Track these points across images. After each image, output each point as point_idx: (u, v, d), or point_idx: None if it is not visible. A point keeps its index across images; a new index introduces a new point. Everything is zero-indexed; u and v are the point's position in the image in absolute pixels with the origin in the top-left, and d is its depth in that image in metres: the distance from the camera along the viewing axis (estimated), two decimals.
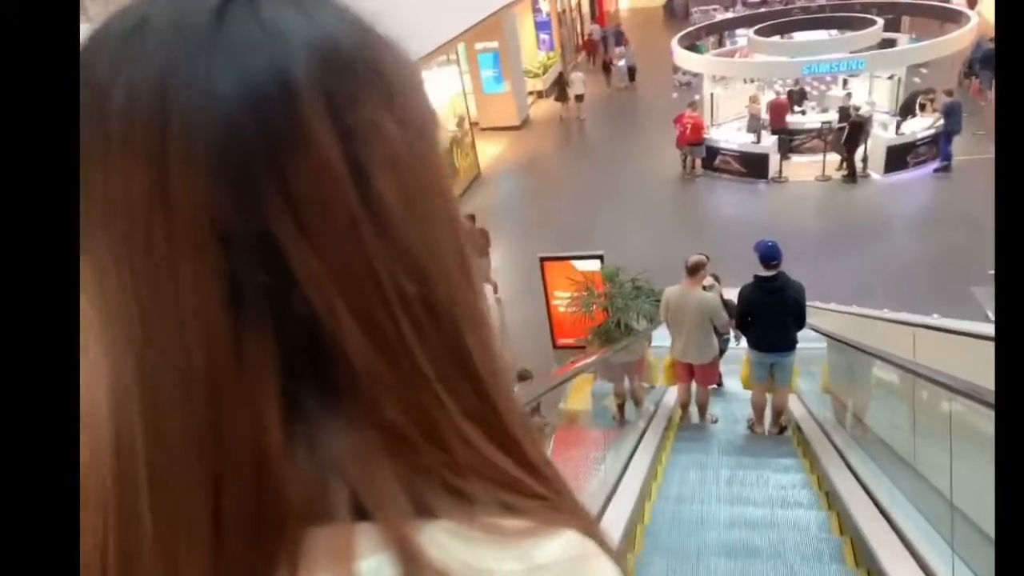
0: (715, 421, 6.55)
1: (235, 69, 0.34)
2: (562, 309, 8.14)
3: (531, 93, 20.79)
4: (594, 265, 8.00)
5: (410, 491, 0.36)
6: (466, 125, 15.32)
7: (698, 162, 14.02)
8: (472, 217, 10.21)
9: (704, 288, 5.89)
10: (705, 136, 13.80)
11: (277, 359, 0.35)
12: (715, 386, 6.91)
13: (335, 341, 0.35)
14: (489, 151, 17.00)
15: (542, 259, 8.45)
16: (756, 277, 5.42)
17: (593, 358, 5.96)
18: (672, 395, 7.10)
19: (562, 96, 18.75)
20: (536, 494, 0.40)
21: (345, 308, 0.35)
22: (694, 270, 5.70)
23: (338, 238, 0.35)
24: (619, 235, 11.65)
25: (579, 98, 18.51)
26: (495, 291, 10.14)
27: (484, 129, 18.11)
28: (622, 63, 21.12)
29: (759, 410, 6.04)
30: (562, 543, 0.38)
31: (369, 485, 0.36)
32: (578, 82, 18.50)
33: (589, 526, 0.41)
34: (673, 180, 14.23)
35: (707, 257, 6.00)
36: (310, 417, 0.36)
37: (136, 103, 0.34)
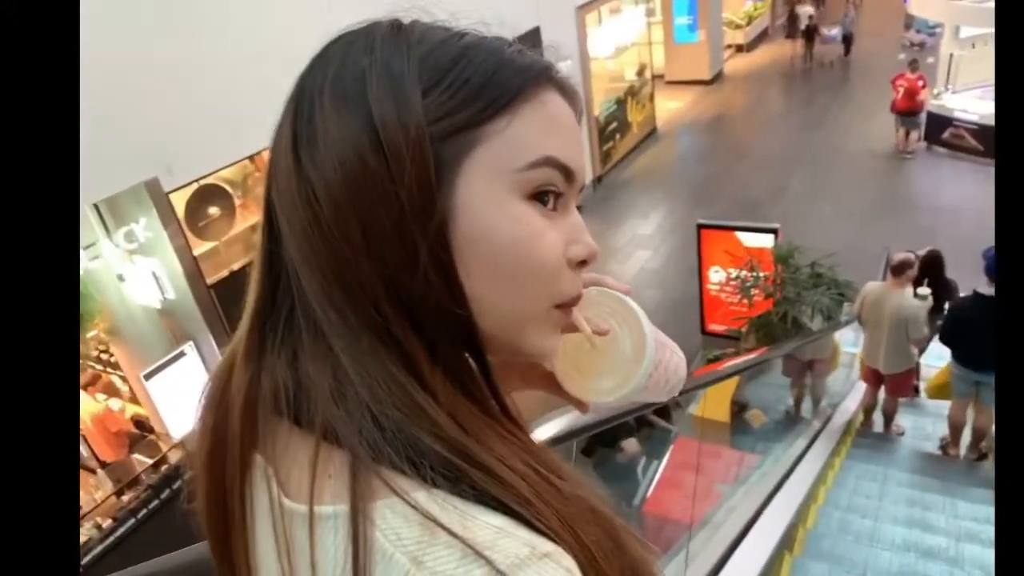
0: (901, 433, 5.62)
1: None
2: (714, 290, 6.78)
3: (729, 47, 18.75)
4: (766, 241, 6.54)
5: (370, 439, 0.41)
6: (647, 74, 13.89)
7: (912, 135, 11.61)
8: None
9: (917, 295, 5.13)
10: (924, 103, 11.37)
11: (261, 289, 0.49)
12: (908, 397, 5.77)
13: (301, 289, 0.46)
14: (670, 106, 15.47)
15: (700, 226, 7.09)
16: (977, 294, 4.45)
17: (741, 360, 4.66)
18: (855, 397, 6.23)
19: (793, 32, 17.45)
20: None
21: (299, 257, 0.46)
22: (900, 269, 4.87)
23: (285, 201, 0.47)
24: (805, 212, 9.94)
25: (808, 37, 16.75)
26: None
27: (670, 83, 16.58)
28: (834, 31, 17.24)
29: (956, 429, 5.07)
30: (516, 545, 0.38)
31: (337, 415, 0.42)
32: (803, 16, 17.06)
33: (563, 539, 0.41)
34: (885, 154, 11.98)
35: (916, 255, 5.18)
36: (297, 340, 0.46)
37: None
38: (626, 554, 0.44)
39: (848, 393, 6.36)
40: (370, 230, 0.43)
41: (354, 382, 0.42)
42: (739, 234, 6.74)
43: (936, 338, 4.95)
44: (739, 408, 5.22)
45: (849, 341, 6.68)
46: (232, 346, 0.50)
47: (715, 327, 7.33)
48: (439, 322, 0.45)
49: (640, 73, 13.69)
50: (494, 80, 0.46)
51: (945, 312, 4.97)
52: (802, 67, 17.01)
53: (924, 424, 5.77)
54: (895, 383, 5.20)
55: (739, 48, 18.91)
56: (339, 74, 0.46)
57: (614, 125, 12.67)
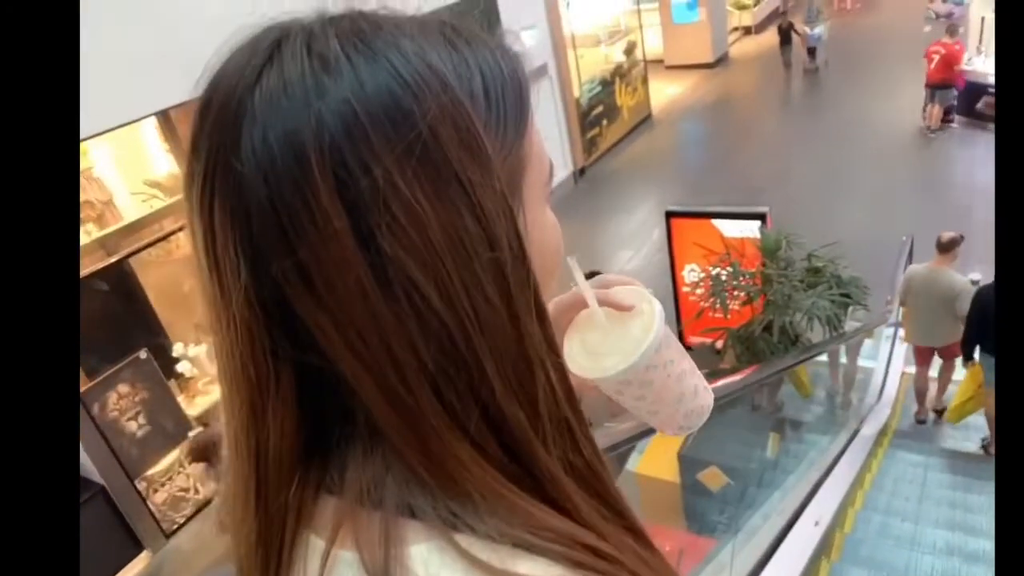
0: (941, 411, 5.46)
1: (256, 141, 0.37)
2: (692, 294, 5.35)
3: (736, 29, 17.30)
4: (750, 228, 5.10)
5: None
6: (637, 55, 12.50)
7: (936, 111, 10.03)
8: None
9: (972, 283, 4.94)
10: (962, 75, 9.84)
11: (296, 389, 0.41)
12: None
13: (354, 394, 0.39)
14: (669, 91, 14.05)
15: (669, 214, 5.63)
16: None
17: (719, 384, 3.13)
18: (887, 404, 5.79)
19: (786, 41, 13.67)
20: (586, 547, 0.39)
21: (358, 366, 0.38)
22: (948, 247, 4.93)
23: (348, 302, 0.37)
24: (815, 200, 8.51)
25: (784, 38, 13.55)
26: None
27: (670, 67, 15.18)
28: (817, 30, 13.68)
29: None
30: None
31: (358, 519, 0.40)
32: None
33: None
34: (909, 134, 10.46)
35: (962, 236, 4.96)
36: (345, 445, 0.42)
37: (196, 158, 0.39)
38: None
39: (873, 406, 5.32)
40: (480, 307, 0.39)
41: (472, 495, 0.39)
42: (717, 222, 5.26)
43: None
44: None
45: (866, 354, 5.58)
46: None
47: (695, 339, 5.84)
48: (539, 372, 0.41)
49: (629, 52, 12.30)
50: (519, 92, 0.44)
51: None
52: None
53: (963, 424, 5.38)
54: (950, 350, 5.16)
55: (747, 30, 17.47)
56: (396, 128, 0.37)
57: (599, 110, 11.29)
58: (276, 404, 0.40)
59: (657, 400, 0.57)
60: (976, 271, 5.25)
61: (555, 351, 0.42)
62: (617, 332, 0.55)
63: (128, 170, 5.87)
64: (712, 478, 3.12)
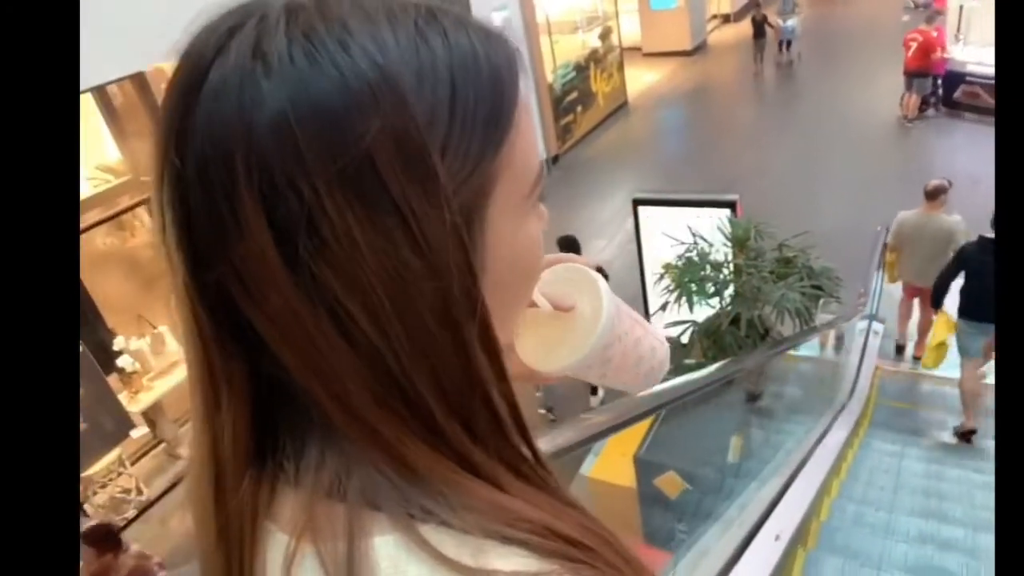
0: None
1: (196, 140, 0.35)
2: (658, 290, 5.10)
3: (715, 16, 17.10)
4: (718, 217, 4.86)
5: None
6: (612, 40, 12.24)
7: (913, 100, 9.86)
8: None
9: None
10: (940, 62, 9.67)
11: (248, 386, 0.39)
12: None
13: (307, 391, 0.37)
14: (646, 78, 13.82)
15: (636, 202, 5.38)
16: (983, 238, 4.52)
17: (683, 381, 2.76)
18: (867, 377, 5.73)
19: (759, 33, 12.90)
20: (560, 536, 0.37)
21: (304, 370, 0.36)
22: (935, 194, 5.26)
23: (282, 314, 0.36)
24: (790, 190, 8.35)
25: (758, 31, 12.76)
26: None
27: (648, 55, 14.96)
28: (790, 23, 13.07)
29: (972, 397, 4.87)
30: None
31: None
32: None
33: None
34: (888, 124, 10.31)
35: (949, 183, 5.33)
36: (302, 440, 0.40)
37: (156, 145, 0.37)
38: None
39: (845, 404, 5.11)
40: (416, 332, 0.36)
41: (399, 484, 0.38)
42: (683, 209, 5.02)
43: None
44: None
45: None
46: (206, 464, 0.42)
47: (667, 332, 5.63)
48: (480, 396, 0.39)
49: (605, 38, 12.03)
50: (498, 99, 0.39)
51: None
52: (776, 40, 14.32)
53: (937, 414, 5.51)
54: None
55: (726, 18, 17.28)
56: (329, 147, 0.34)
57: (574, 96, 11.03)
58: (230, 400, 0.39)
59: (618, 370, 0.59)
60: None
61: (503, 379, 0.40)
62: (568, 319, 0.55)
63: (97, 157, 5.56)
64: (670, 484, 2.88)
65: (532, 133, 0.41)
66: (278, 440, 0.41)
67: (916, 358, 5.88)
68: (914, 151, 9.61)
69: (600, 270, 0.62)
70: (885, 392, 5.74)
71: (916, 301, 5.78)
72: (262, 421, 0.40)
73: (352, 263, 0.34)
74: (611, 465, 3.25)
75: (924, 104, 10.04)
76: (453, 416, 0.38)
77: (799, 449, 3.84)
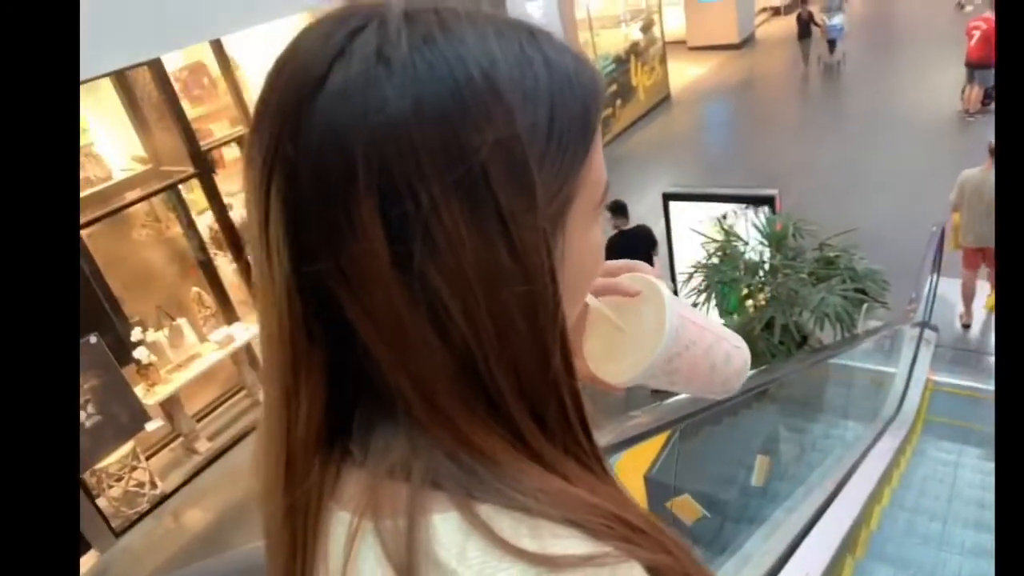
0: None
1: (314, 137, 0.37)
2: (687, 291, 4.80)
3: (764, 10, 16.56)
4: (755, 214, 4.53)
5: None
6: (655, 33, 11.86)
7: (975, 93, 9.24)
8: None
9: None
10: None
11: (327, 375, 0.41)
12: None
13: (385, 379, 0.40)
14: (690, 72, 13.40)
15: (667, 197, 5.08)
16: None
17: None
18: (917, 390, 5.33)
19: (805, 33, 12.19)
20: (623, 521, 0.39)
21: (395, 362, 0.39)
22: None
23: (383, 311, 0.38)
24: (838, 188, 7.91)
25: (803, 30, 12.08)
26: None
27: (693, 48, 14.53)
28: (836, 20, 12.26)
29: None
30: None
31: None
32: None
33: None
34: (946, 117, 9.74)
35: None
36: (373, 423, 0.43)
37: (260, 136, 0.39)
38: None
39: (891, 420, 4.74)
40: (504, 332, 0.39)
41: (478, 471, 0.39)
42: (717, 205, 4.68)
43: None
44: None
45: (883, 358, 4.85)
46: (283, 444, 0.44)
47: None
48: (553, 392, 0.42)
49: (646, 30, 11.67)
50: (585, 119, 0.42)
51: None
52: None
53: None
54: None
55: (776, 11, 16.71)
56: (447, 156, 0.36)
57: (613, 88, 10.72)
58: (308, 384, 0.41)
59: (690, 377, 0.59)
60: None
61: (573, 377, 0.42)
62: (631, 331, 0.56)
63: (120, 146, 5.51)
64: (685, 508, 2.60)
65: (601, 147, 0.43)
66: (348, 426, 0.43)
67: (965, 326, 5.80)
68: (974, 146, 9.03)
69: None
70: (937, 409, 5.32)
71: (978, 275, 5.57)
72: (335, 408, 0.42)
73: (458, 266, 0.37)
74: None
75: (987, 97, 9.43)
76: (527, 409, 0.40)
77: (831, 477, 3.50)
